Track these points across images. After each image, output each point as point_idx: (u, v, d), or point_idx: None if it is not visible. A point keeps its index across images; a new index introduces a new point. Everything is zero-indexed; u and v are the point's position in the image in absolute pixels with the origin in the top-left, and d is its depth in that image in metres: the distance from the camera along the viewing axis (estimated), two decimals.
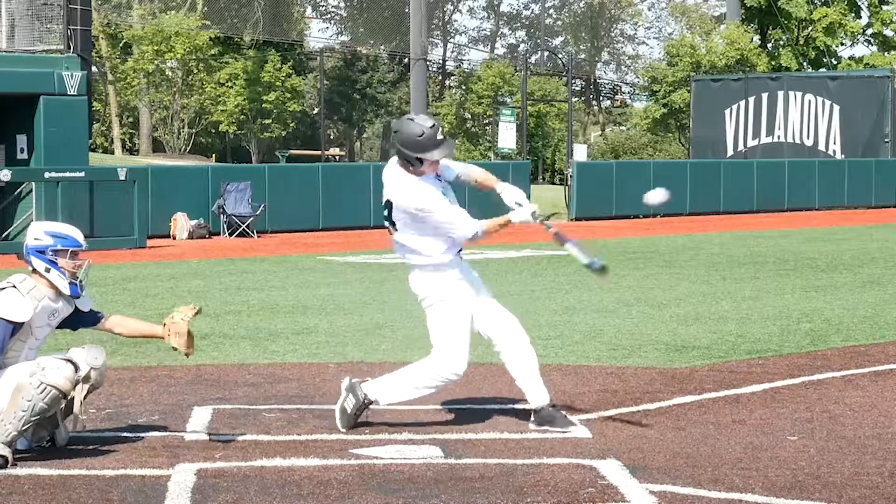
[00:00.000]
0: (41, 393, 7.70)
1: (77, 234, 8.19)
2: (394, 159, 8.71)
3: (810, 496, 7.12)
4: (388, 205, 8.60)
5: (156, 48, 65.31)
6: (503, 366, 8.94)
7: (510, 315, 8.87)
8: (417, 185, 8.52)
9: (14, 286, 7.97)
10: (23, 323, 7.92)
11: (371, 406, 8.77)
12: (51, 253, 8.04)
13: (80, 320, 8.29)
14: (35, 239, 8.10)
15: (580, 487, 7.25)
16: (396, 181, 8.58)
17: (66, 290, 8.07)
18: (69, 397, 7.83)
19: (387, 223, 8.70)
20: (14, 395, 7.72)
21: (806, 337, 13.31)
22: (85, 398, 7.91)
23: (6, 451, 7.66)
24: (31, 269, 8.09)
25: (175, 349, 8.21)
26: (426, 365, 8.76)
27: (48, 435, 8.07)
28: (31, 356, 8.05)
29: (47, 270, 8.04)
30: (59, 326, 8.26)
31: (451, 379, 8.75)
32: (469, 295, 8.68)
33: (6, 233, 26.94)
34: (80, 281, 8.13)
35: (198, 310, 8.27)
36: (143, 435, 8.53)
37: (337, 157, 76.89)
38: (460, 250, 8.68)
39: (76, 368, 7.83)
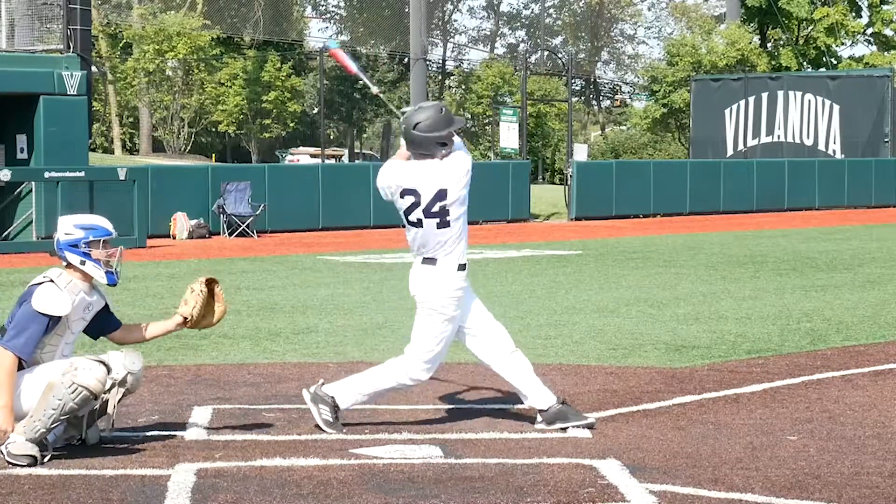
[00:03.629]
0: (72, 393, 7.72)
1: (106, 223, 8.22)
2: (399, 161, 8.63)
3: (810, 496, 7.12)
4: (440, 195, 8.43)
5: (157, 48, 65.30)
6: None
7: (497, 325, 8.81)
8: (449, 160, 8.56)
9: (52, 280, 7.99)
10: (60, 317, 7.94)
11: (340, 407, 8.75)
12: (83, 245, 8.06)
13: (108, 321, 8.32)
14: (66, 234, 8.12)
15: (580, 487, 7.25)
16: (433, 169, 8.49)
17: (104, 280, 8.10)
18: (102, 399, 7.84)
19: (420, 219, 8.48)
20: (45, 392, 7.74)
21: (806, 337, 13.31)
22: (119, 402, 7.92)
23: (34, 451, 7.68)
24: (65, 264, 8.11)
25: (193, 319, 8.33)
26: (394, 365, 8.71)
27: (78, 435, 8.09)
28: (67, 351, 8.10)
29: (82, 263, 8.06)
30: (84, 331, 8.27)
31: (410, 385, 8.78)
32: (461, 308, 8.64)
33: (6, 233, 26.93)
34: (115, 269, 8.16)
35: (208, 281, 8.36)
36: (143, 435, 8.53)
37: (337, 158, 76.91)
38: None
39: (108, 370, 7.84)
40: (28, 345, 7.85)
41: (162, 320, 8.66)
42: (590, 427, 8.69)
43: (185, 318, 8.41)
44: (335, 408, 8.69)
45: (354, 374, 8.92)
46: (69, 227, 8.14)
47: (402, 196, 8.51)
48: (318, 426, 8.66)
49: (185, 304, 8.39)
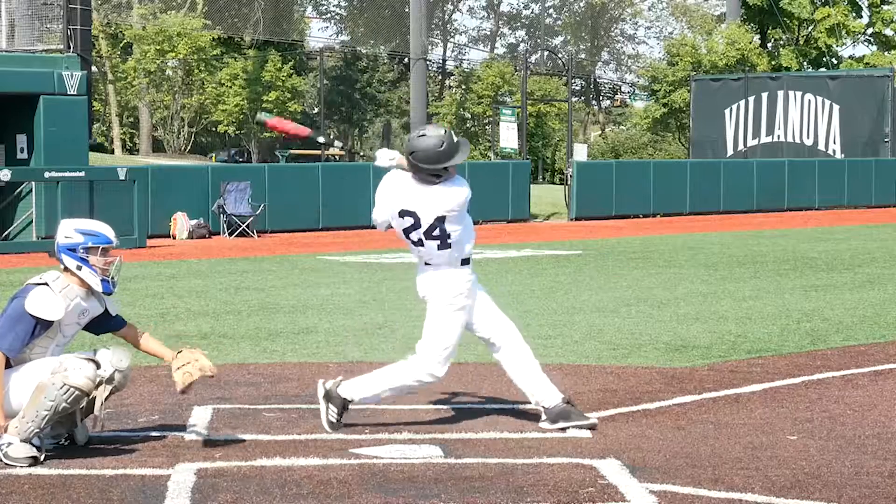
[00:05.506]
0: (64, 394, 7.71)
1: (108, 230, 8.17)
2: (402, 174, 8.58)
3: (810, 496, 7.11)
4: (440, 220, 8.41)
5: (158, 48, 65.32)
6: (502, 367, 8.94)
7: (506, 319, 8.87)
8: (448, 187, 8.51)
9: (47, 284, 7.96)
10: (52, 321, 7.92)
11: (350, 406, 8.74)
12: (82, 250, 8.01)
13: (107, 323, 8.29)
14: (66, 237, 8.07)
15: (580, 487, 7.25)
16: (433, 195, 8.45)
17: (99, 288, 8.06)
18: (91, 396, 7.83)
19: (421, 238, 8.50)
20: (36, 393, 7.72)
21: (806, 337, 13.31)
22: (107, 399, 7.90)
23: (34, 451, 7.68)
24: (62, 267, 8.07)
25: (175, 380, 8.19)
26: (410, 364, 8.72)
27: (66, 432, 8.08)
28: (58, 353, 8.05)
29: (79, 268, 8.01)
30: (84, 328, 8.26)
31: (429, 382, 8.75)
32: (470, 301, 8.67)
33: (6, 233, 26.94)
34: (112, 278, 8.11)
35: (213, 375, 8.24)
36: (143, 435, 8.53)
37: (337, 157, 77.04)
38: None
39: (98, 367, 7.83)
40: (16, 344, 7.82)
41: (162, 345, 8.45)
42: (591, 428, 8.70)
43: (173, 359, 8.28)
44: (343, 409, 8.71)
45: (369, 373, 8.89)
46: (70, 230, 8.11)
47: (400, 216, 8.53)
48: (322, 424, 8.68)
49: (185, 375, 8.16)
